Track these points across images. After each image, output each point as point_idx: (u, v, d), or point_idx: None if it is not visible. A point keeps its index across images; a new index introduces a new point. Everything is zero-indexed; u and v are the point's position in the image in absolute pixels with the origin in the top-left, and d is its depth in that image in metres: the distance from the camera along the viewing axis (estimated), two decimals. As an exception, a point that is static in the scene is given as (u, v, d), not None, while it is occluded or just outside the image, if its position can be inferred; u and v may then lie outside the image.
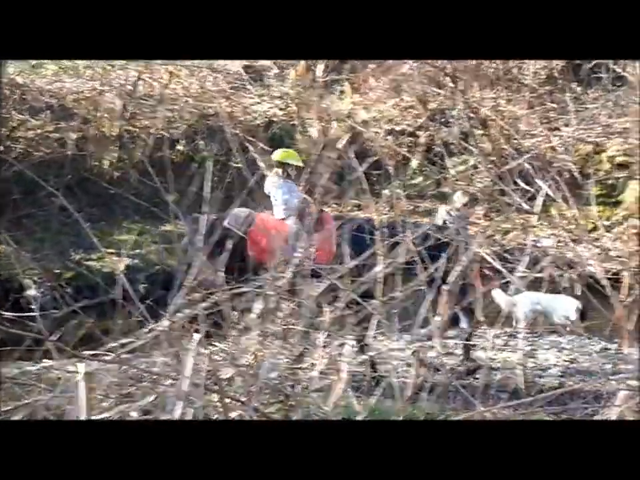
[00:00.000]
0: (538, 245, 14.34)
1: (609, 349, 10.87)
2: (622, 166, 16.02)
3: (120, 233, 14.24)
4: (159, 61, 16.78)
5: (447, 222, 11.01)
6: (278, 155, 10.53)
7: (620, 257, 13.25)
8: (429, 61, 15.45)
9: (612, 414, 3.59)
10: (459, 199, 11.80)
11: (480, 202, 13.60)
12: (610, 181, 15.86)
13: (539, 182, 5.17)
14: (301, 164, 10.40)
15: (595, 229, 14.62)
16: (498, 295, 11.38)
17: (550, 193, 5.14)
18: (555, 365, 10.51)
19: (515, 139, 16.30)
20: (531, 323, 11.69)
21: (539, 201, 5.20)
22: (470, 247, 9.13)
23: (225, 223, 9.50)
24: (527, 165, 5.48)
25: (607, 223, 15.24)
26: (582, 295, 10.76)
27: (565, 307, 11.37)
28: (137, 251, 13.79)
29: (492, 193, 12.89)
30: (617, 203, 15.66)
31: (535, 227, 15.06)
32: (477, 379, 9.28)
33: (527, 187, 5.24)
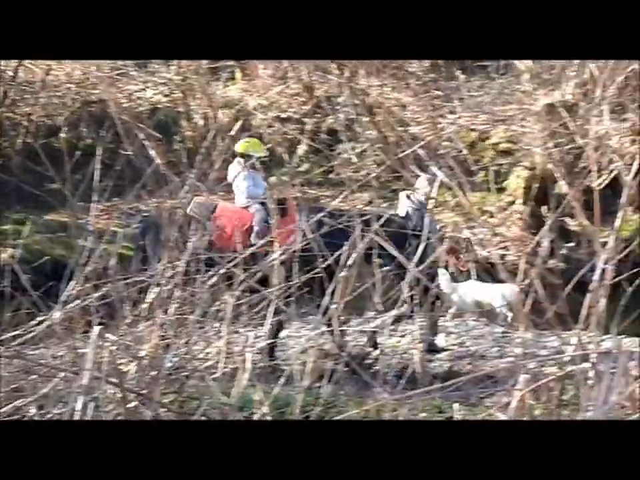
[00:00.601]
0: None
1: (496, 332, 11.05)
2: (506, 153, 16.31)
3: (4, 223, 13.84)
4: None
5: (409, 210, 10.20)
6: (241, 145, 10.41)
7: (505, 240, 13.53)
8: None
9: (513, 398, 3.62)
10: (421, 183, 10.36)
11: (371, 189, 13.65)
12: (494, 168, 16.09)
13: (434, 169, 5.18)
14: (265, 153, 10.40)
15: (482, 214, 14.88)
16: (443, 277, 10.99)
17: (445, 179, 5.16)
18: (444, 349, 10.63)
19: (402, 126, 16.45)
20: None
21: (435, 187, 5.24)
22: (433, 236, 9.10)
23: (188, 210, 9.42)
24: (420, 152, 5.53)
25: (492, 209, 15.49)
26: (478, 279, 10.88)
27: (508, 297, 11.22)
28: (21, 240, 13.44)
29: (383, 179, 13.02)
30: (502, 189, 15.93)
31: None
32: (371, 364, 9.33)
33: (422, 174, 5.27)
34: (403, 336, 10.77)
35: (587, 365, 3.81)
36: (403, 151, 6.75)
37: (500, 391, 4.40)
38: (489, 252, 9.41)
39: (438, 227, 10.85)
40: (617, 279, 4.48)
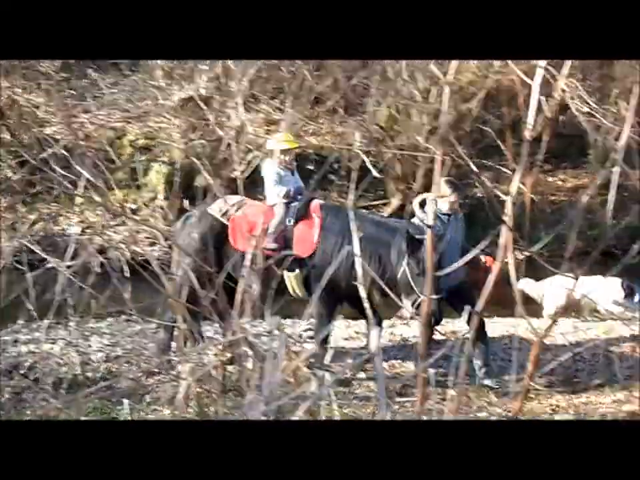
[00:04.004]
0: (67, 232, 14.29)
1: (150, 329, 11.04)
2: (144, 149, 16.35)
3: None
4: None
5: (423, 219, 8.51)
6: (284, 140, 9.60)
7: (149, 237, 13.58)
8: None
9: (180, 389, 3.68)
10: (442, 189, 8.75)
11: (3, 194, 13.18)
12: (134, 165, 16.06)
13: (79, 168, 5.12)
14: (297, 147, 9.64)
15: (122, 212, 14.80)
16: (526, 284, 10.39)
17: (91, 178, 5.11)
18: (99, 351, 10.49)
19: (35, 128, 16.01)
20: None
21: (81, 187, 5.17)
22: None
23: (208, 209, 8.42)
24: (63, 152, 5.46)
25: (134, 206, 15.50)
26: (133, 275, 10.79)
27: (610, 290, 10.90)
28: None
29: (19, 183, 12.63)
30: (144, 186, 15.95)
31: (62, 215, 15.03)
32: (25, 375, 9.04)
33: (65, 173, 5.20)
34: (54, 342, 10.52)
35: (247, 347, 3.94)
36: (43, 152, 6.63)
37: (165, 383, 4.44)
38: (141, 248, 9.41)
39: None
40: (268, 263, 4.67)
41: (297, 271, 8.84)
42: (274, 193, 9.35)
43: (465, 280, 8.82)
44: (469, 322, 8.74)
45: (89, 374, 8.99)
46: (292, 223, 9.13)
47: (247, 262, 4.58)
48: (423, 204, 8.72)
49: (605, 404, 8.82)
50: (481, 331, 8.91)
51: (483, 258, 8.08)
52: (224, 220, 8.72)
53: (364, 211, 13.38)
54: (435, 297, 8.23)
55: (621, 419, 3.81)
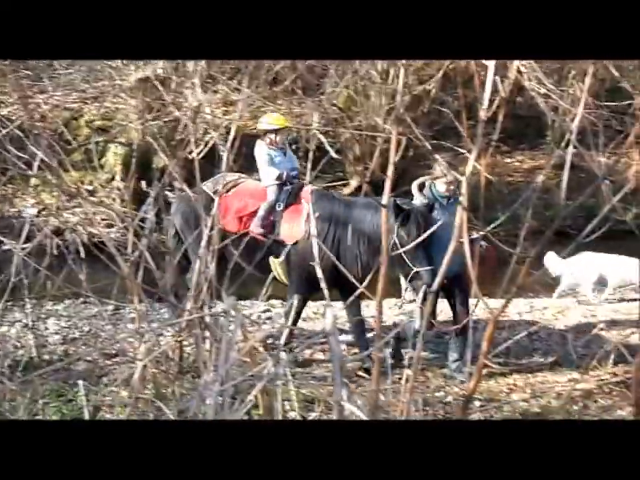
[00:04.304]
0: (23, 215, 14.19)
1: (108, 310, 10.99)
2: (101, 130, 16.25)
3: None
4: None
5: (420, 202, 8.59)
6: (275, 120, 9.48)
7: (106, 219, 13.51)
8: None
9: (135, 369, 3.67)
10: (436, 170, 8.63)
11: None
12: (90, 145, 15.94)
13: (34, 149, 5.09)
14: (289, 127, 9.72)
15: (79, 194, 14.71)
16: (550, 259, 10.61)
17: (45, 158, 5.08)
18: (56, 333, 10.45)
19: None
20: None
21: (35, 167, 5.14)
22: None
23: (202, 186, 8.30)
24: (18, 132, 5.43)
25: (90, 188, 15.40)
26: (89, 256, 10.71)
27: (628, 269, 10.98)
28: None
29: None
30: (101, 167, 15.85)
31: (18, 197, 14.92)
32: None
33: (20, 154, 5.18)
34: (10, 324, 10.46)
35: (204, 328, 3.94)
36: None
37: (122, 364, 4.44)
38: (97, 230, 9.35)
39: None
40: (223, 244, 4.68)
41: (283, 257, 8.80)
42: (267, 174, 9.26)
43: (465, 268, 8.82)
44: (423, 301, 8.70)
45: (46, 356, 8.90)
46: (281, 208, 9.02)
47: (204, 242, 4.58)
48: (421, 187, 8.74)
49: (560, 382, 8.93)
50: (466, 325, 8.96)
51: (483, 245, 7.96)
52: (216, 197, 8.69)
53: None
54: (427, 268, 8.25)
55: (621, 419, 3.85)
